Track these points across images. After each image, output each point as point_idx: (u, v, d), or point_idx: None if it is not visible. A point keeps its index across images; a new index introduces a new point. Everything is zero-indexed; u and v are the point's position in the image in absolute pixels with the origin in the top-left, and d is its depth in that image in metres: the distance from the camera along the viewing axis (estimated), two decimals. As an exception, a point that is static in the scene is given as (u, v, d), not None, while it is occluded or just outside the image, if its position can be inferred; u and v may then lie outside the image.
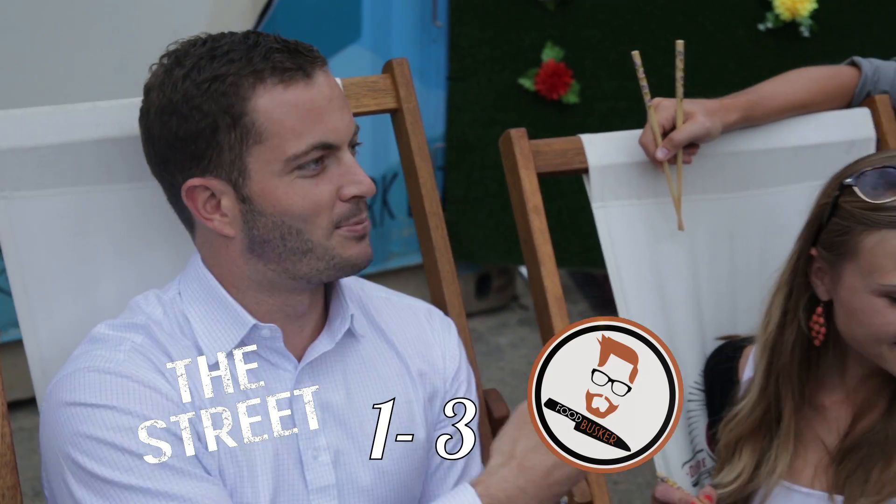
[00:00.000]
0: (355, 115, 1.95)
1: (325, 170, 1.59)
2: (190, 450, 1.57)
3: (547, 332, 2.13)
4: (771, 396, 2.01)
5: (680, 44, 2.17)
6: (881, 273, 1.84)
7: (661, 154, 2.13)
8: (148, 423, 1.55)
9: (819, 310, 1.95)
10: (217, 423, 1.64)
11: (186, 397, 1.61)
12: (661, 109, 2.15)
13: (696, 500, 1.89)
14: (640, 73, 2.18)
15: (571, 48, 3.75)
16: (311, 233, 1.59)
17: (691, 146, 2.17)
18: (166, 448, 1.53)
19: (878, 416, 1.98)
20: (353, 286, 1.84)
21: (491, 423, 2.04)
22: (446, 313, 2.00)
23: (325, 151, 1.58)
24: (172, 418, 1.57)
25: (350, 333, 1.74)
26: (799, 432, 2.02)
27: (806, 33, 3.69)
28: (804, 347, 1.99)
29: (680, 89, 2.16)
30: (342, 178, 1.60)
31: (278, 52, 1.57)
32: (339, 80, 1.98)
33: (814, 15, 3.67)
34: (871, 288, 1.85)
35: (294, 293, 1.66)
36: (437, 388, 1.85)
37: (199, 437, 1.61)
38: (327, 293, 1.76)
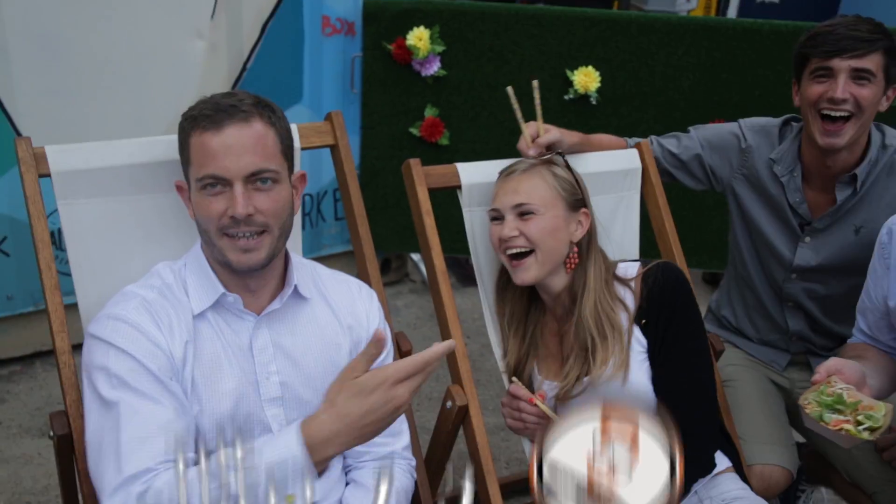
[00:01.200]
0: (306, 149, 2.11)
1: (223, 193, 1.58)
2: (157, 381, 1.55)
3: (437, 295, 2.10)
4: (516, 334, 2.08)
5: (535, 83, 2.16)
6: (491, 204, 1.99)
7: (532, 152, 2.11)
8: (134, 360, 1.54)
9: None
10: (194, 356, 1.62)
11: (172, 344, 1.59)
12: (529, 126, 2.15)
13: (534, 397, 1.93)
14: (514, 103, 2.18)
15: (444, 108, 3.67)
16: (210, 234, 1.60)
17: (549, 149, 2.14)
18: (142, 377, 1.53)
19: (568, 329, 1.99)
20: (308, 266, 1.84)
21: (400, 355, 2.04)
22: (369, 285, 1.98)
23: (218, 180, 1.57)
24: (153, 358, 1.55)
25: (298, 296, 1.73)
26: (540, 343, 2.07)
27: (594, 102, 3.61)
28: (512, 289, 2.05)
29: (539, 112, 2.17)
30: (229, 202, 1.57)
31: (209, 111, 1.59)
32: (294, 126, 2.03)
33: (598, 90, 3.58)
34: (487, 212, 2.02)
35: (240, 276, 1.65)
36: (360, 337, 1.82)
37: (174, 370, 1.59)
38: (284, 268, 1.75)
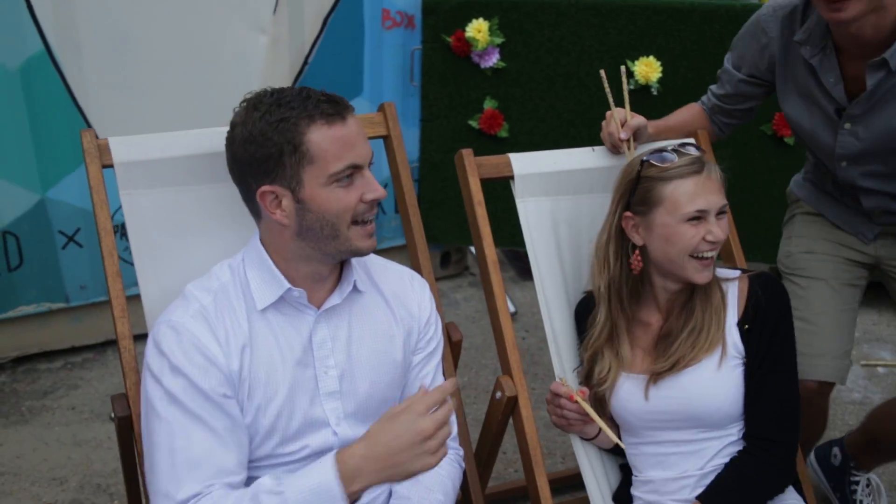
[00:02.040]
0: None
1: (353, 182, 1.58)
2: (209, 401, 1.55)
3: (488, 285, 2.10)
4: (610, 318, 1.98)
5: (623, 69, 2.18)
6: (681, 206, 1.83)
7: (623, 135, 2.11)
8: (187, 379, 1.55)
9: (637, 252, 1.92)
10: (251, 359, 1.61)
11: (229, 356, 1.59)
12: (618, 111, 2.14)
13: (574, 394, 1.93)
14: (606, 87, 2.18)
15: (503, 100, 3.68)
16: (339, 226, 1.58)
17: (634, 136, 2.15)
18: (195, 397, 1.54)
19: (675, 317, 1.96)
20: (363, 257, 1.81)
21: (451, 345, 2.06)
22: (422, 277, 1.97)
23: (354, 170, 1.57)
24: (207, 377, 1.56)
25: (356, 290, 1.72)
26: (632, 340, 2.00)
27: (655, 93, 3.56)
28: (628, 281, 1.96)
29: (626, 98, 2.17)
30: (364, 187, 1.59)
31: (324, 102, 1.58)
32: None
33: (660, 81, 3.55)
34: (677, 219, 1.83)
35: (321, 263, 1.65)
36: (412, 327, 1.81)
37: (230, 383, 1.59)
38: (342, 262, 1.74)
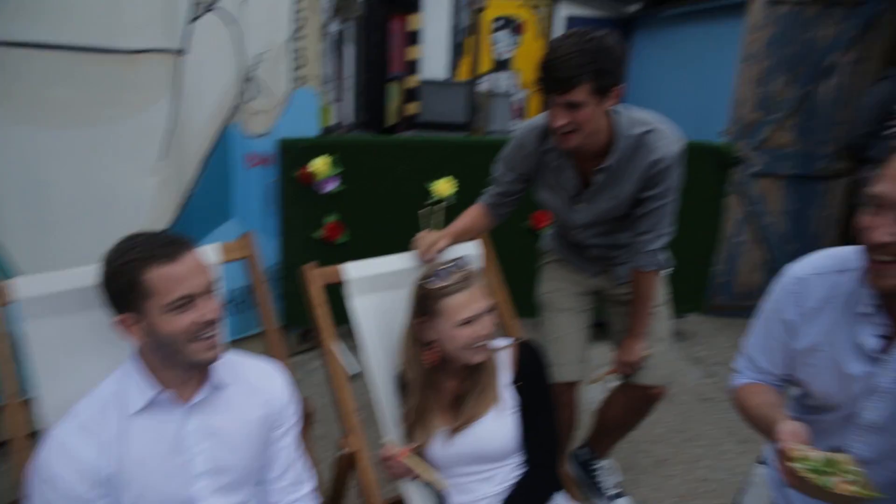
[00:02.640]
0: (226, 262, 2.03)
1: (188, 308, 1.45)
2: (80, 501, 1.44)
3: (331, 369, 2.01)
4: (417, 395, 1.91)
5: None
6: (454, 316, 1.77)
7: (427, 257, 2.10)
8: (61, 495, 1.43)
9: (433, 345, 1.85)
10: (126, 456, 1.48)
11: (101, 459, 1.46)
12: (422, 238, 2.13)
13: (401, 453, 1.85)
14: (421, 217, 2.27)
15: (345, 213, 3.59)
16: (178, 344, 1.46)
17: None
18: (65, 499, 1.42)
19: (464, 383, 1.89)
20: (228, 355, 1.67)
21: (306, 415, 1.95)
22: (277, 361, 1.85)
23: (187, 299, 1.44)
24: (78, 482, 1.44)
25: (220, 385, 1.59)
26: (435, 406, 1.92)
27: (452, 202, 3.54)
28: (423, 369, 1.89)
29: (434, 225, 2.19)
30: (200, 311, 1.46)
31: (161, 246, 1.46)
32: (218, 245, 1.99)
33: (456, 194, 3.55)
34: (453, 325, 1.78)
35: (182, 369, 1.52)
36: (272, 410, 1.67)
37: (101, 483, 1.46)
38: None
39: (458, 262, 1.86)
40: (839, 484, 1.26)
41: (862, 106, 4.00)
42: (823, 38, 4.07)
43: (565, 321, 2.40)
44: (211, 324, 1.47)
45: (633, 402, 2.47)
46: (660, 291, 2.33)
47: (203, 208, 3.33)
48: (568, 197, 2.17)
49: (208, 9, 3.09)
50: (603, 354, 2.55)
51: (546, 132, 2.09)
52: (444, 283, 1.79)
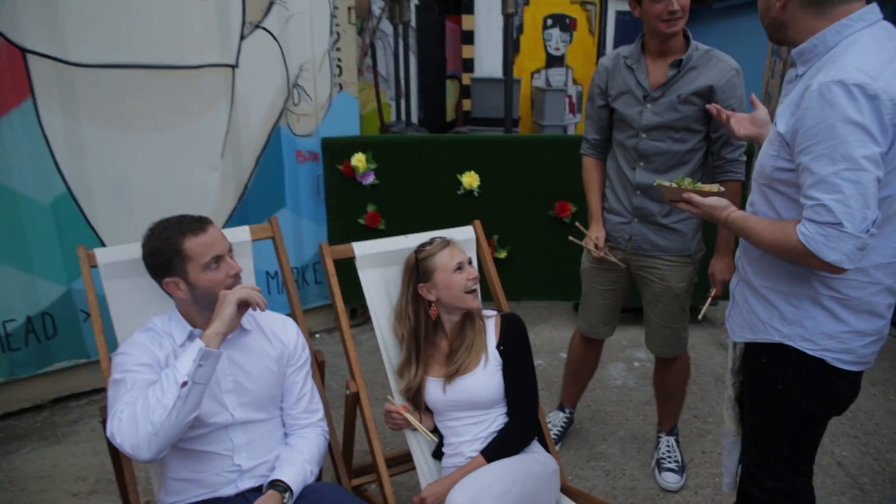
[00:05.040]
0: (255, 240, 2.19)
1: (220, 266, 1.70)
2: (143, 364, 1.64)
3: (339, 324, 2.10)
4: (413, 348, 2.06)
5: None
6: (448, 265, 1.96)
7: (599, 253, 2.42)
8: (133, 358, 1.66)
9: (432, 305, 2.02)
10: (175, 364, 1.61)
11: (160, 357, 1.70)
12: (590, 235, 2.46)
13: (399, 409, 2.03)
14: (574, 239, 2.49)
15: (381, 204, 3.79)
16: (216, 292, 1.69)
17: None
18: (142, 369, 1.63)
19: (456, 339, 2.04)
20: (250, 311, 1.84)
21: (317, 362, 2.09)
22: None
23: (217, 259, 1.69)
24: (143, 354, 1.67)
25: (242, 329, 1.82)
26: (430, 357, 2.07)
27: (476, 195, 3.75)
28: (427, 325, 2.05)
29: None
30: (227, 269, 1.71)
31: (190, 222, 1.70)
32: (247, 227, 2.18)
33: (479, 186, 3.74)
34: (449, 272, 1.97)
35: (213, 312, 1.68)
36: (283, 350, 1.87)
37: (159, 364, 1.67)
38: None
39: (434, 238, 2.08)
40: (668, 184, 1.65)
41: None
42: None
43: (596, 293, 2.64)
44: (237, 276, 1.73)
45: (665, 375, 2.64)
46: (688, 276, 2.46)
47: (259, 198, 3.60)
48: (641, 96, 2.32)
49: (257, 27, 3.41)
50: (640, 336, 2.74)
51: (619, 53, 2.37)
52: (431, 247, 2.02)
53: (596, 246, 2.50)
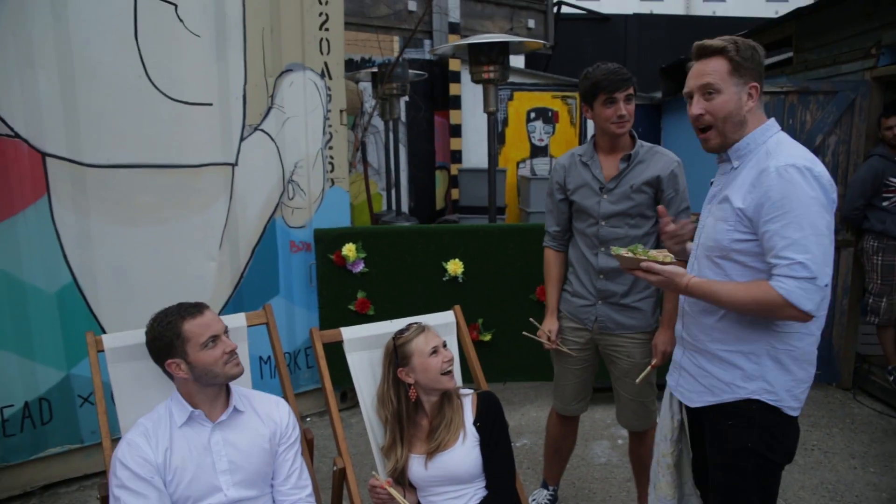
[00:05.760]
0: (250, 326, 2.28)
1: (217, 344, 1.81)
2: (143, 480, 1.71)
3: (328, 405, 2.14)
4: (397, 430, 2.11)
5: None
6: (423, 349, 2.04)
7: (552, 345, 2.56)
8: (129, 470, 1.72)
9: (411, 388, 2.08)
10: (171, 455, 1.77)
11: (157, 455, 1.76)
12: (544, 329, 2.62)
13: (384, 483, 2.03)
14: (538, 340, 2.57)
15: (370, 291, 3.84)
16: (216, 368, 1.81)
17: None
18: (134, 480, 1.71)
19: (435, 417, 2.09)
20: (241, 390, 1.96)
21: (306, 441, 2.14)
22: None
23: (214, 338, 1.80)
24: (142, 468, 1.73)
25: (237, 410, 1.90)
26: (412, 436, 2.11)
27: (461, 280, 3.81)
28: (407, 405, 2.10)
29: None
30: (223, 346, 1.81)
31: (188, 307, 1.82)
32: (242, 314, 2.26)
33: (463, 273, 3.81)
34: (425, 356, 2.03)
35: (212, 388, 1.84)
36: (275, 430, 1.93)
37: (157, 470, 1.74)
38: (228, 392, 1.90)
39: (411, 324, 2.16)
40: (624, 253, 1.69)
41: (854, 181, 4.23)
42: (808, 122, 4.36)
43: (568, 372, 2.74)
44: (233, 352, 1.84)
45: None
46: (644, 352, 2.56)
47: (255, 286, 3.69)
48: (597, 188, 2.49)
49: (256, 129, 3.60)
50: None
51: (573, 153, 2.55)
52: (408, 333, 2.11)
53: (549, 338, 2.65)
